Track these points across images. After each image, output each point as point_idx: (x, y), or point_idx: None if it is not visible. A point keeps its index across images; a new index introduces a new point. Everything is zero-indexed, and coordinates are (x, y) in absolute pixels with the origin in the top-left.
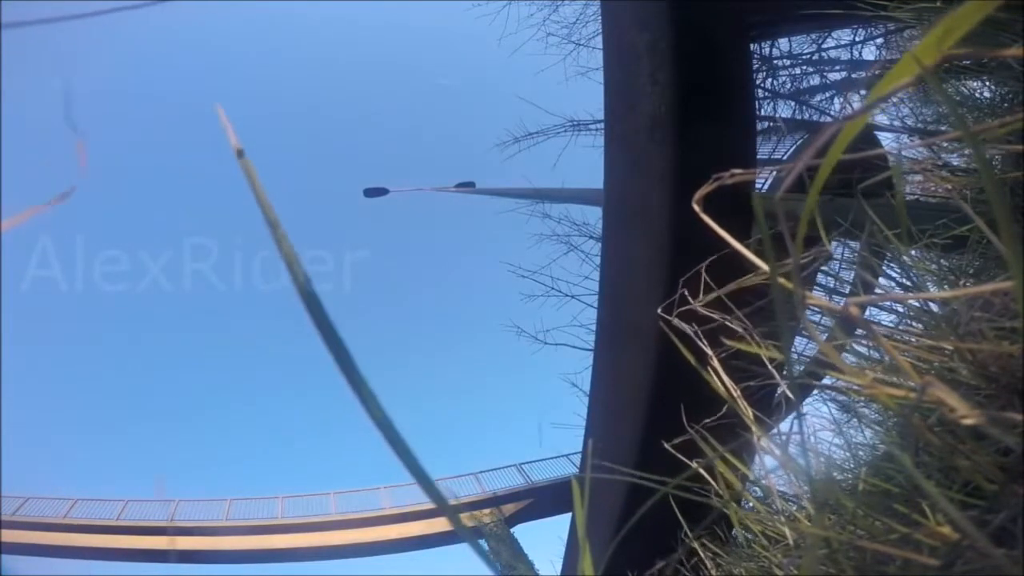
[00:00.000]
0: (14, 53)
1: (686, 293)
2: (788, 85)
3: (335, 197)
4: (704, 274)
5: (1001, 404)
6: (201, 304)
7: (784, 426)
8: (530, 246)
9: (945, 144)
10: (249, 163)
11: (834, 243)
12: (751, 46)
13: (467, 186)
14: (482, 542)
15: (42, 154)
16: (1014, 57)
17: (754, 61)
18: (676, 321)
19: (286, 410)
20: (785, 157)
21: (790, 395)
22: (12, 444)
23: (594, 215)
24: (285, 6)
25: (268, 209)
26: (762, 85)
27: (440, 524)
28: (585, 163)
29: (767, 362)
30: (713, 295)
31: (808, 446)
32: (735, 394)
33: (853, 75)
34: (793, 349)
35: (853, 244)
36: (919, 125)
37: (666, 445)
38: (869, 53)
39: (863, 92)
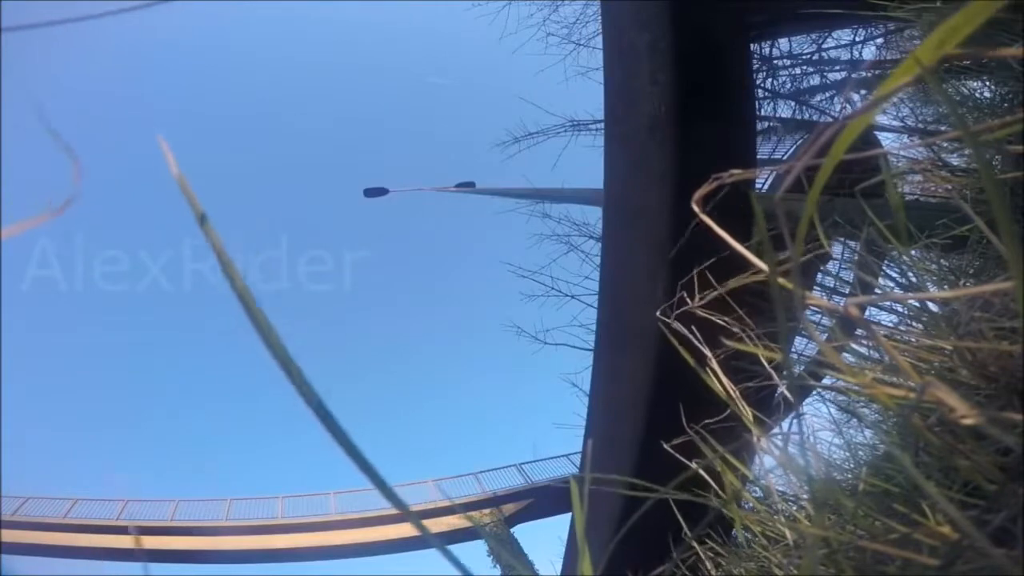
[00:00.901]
0: (14, 55)
1: (684, 295)
2: (788, 85)
3: (335, 197)
4: (703, 275)
5: (1001, 404)
6: (201, 304)
7: (784, 426)
8: (530, 246)
9: (945, 144)
10: (212, 231)
11: (834, 243)
12: (751, 46)
13: (467, 186)
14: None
15: (40, 158)
16: (1014, 57)
17: (754, 61)
18: (675, 323)
19: (286, 410)
20: (785, 157)
21: (789, 395)
22: (12, 444)
23: (594, 215)
24: (288, 6)
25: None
26: (762, 85)
27: (440, 525)
28: (585, 163)
29: (766, 363)
30: (711, 295)
31: (808, 446)
32: (734, 394)
33: (853, 75)
34: (793, 349)
35: (853, 244)
36: (919, 125)
37: (666, 446)
38: (869, 53)
39: (862, 92)
